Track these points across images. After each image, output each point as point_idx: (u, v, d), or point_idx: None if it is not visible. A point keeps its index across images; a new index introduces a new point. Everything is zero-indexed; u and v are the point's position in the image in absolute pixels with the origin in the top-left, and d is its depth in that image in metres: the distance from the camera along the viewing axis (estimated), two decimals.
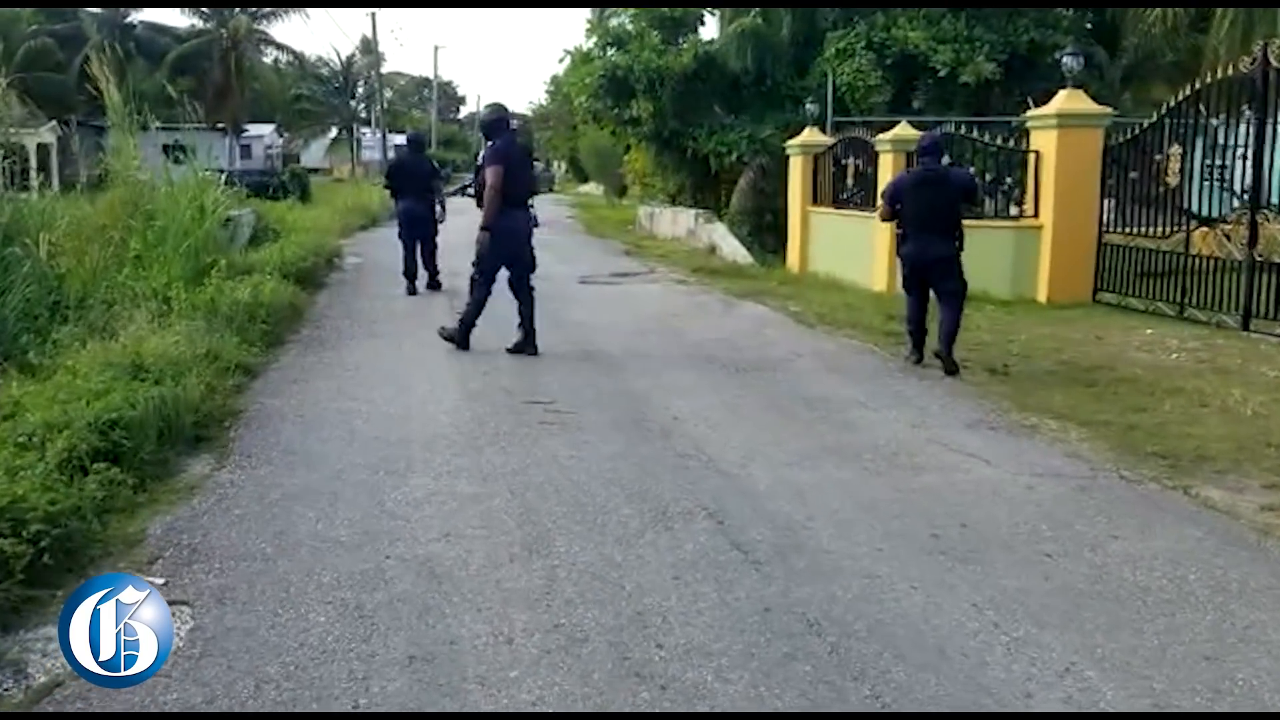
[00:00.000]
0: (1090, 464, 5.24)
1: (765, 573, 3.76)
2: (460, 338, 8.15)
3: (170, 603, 3.27)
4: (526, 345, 8.07)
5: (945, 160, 8.13)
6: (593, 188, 44.17)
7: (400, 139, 41.76)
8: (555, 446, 5.43)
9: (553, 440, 5.56)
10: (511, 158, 7.90)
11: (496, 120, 8.26)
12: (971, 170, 11.68)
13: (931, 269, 7.49)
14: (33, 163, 19.87)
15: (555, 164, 56.24)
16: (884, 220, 8.00)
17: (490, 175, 7.77)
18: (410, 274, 11.77)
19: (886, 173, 11.44)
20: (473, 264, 8.12)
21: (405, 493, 4.69)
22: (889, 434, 5.77)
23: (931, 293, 7.58)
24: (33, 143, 21.77)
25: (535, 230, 8.24)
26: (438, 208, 11.94)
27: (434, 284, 11.90)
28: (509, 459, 5.21)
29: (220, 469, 5.06)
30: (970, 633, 3.31)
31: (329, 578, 3.73)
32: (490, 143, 8.07)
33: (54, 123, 25.81)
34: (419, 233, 11.74)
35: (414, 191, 11.77)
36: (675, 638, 3.25)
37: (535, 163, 9.92)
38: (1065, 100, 10.81)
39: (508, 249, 7.98)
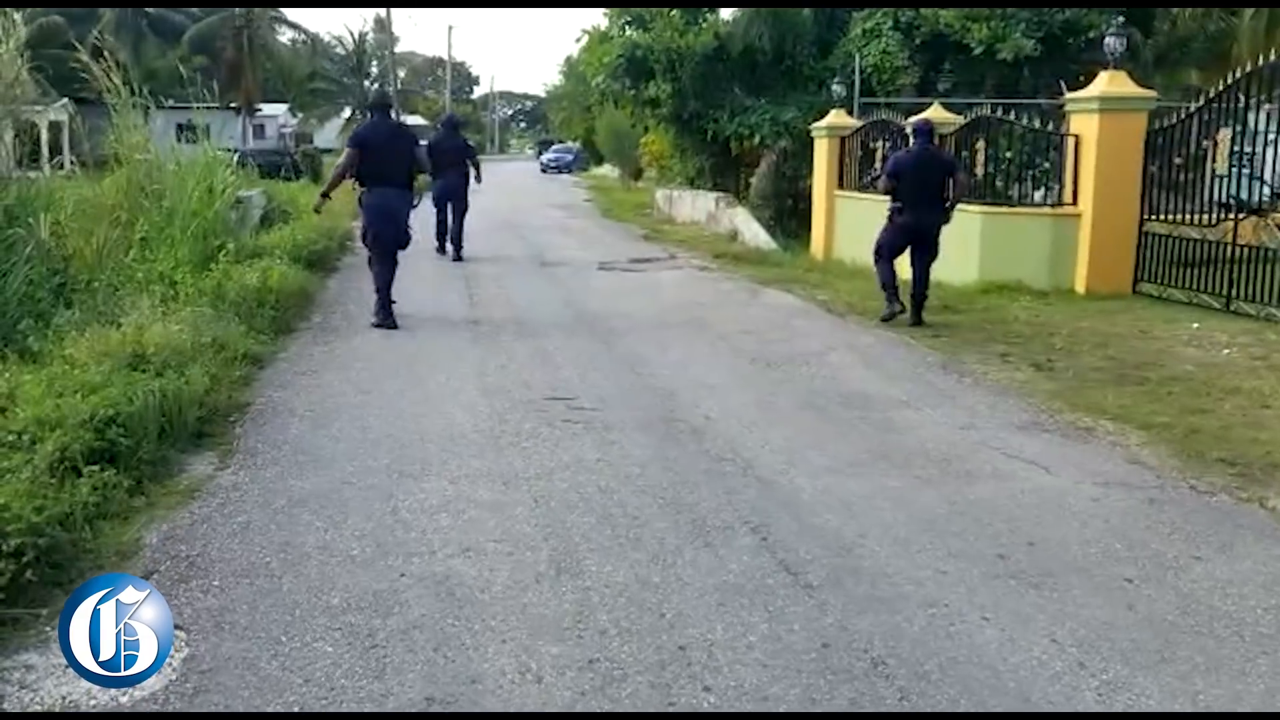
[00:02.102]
0: (1156, 472, 4.87)
1: (820, 599, 3.40)
2: (383, 318, 8.37)
3: None
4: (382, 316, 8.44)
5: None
6: (608, 170, 43.61)
7: (413, 120, 41.43)
8: (580, 448, 5.09)
9: (577, 441, 5.21)
10: (369, 141, 8.40)
11: (373, 104, 9.62)
12: (1008, 154, 11.36)
13: (924, 236, 8.53)
14: (44, 141, 19.54)
15: (576, 143, 55.48)
16: (885, 193, 8.77)
17: (344, 154, 8.62)
18: (442, 234, 13.48)
19: None
20: (361, 237, 8.90)
21: (421, 499, 4.36)
22: (936, 436, 5.40)
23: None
24: (44, 121, 21.43)
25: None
26: (472, 178, 13.51)
27: (458, 256, 13.12)
28: (531, 462, 4.87)
29: (224, 470, 4.75)
30: (1054, 674, 2.96)
31: (338, 599, 3.40)
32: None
33: (65, 101, 25.52)
34: (457, 204, 13.22)
35: (450, 166, 12.95)
36: (724, 679, 2.90)
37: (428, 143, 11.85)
38: (1108, 83, 10.32)
39: (374, 221, 8.50)
